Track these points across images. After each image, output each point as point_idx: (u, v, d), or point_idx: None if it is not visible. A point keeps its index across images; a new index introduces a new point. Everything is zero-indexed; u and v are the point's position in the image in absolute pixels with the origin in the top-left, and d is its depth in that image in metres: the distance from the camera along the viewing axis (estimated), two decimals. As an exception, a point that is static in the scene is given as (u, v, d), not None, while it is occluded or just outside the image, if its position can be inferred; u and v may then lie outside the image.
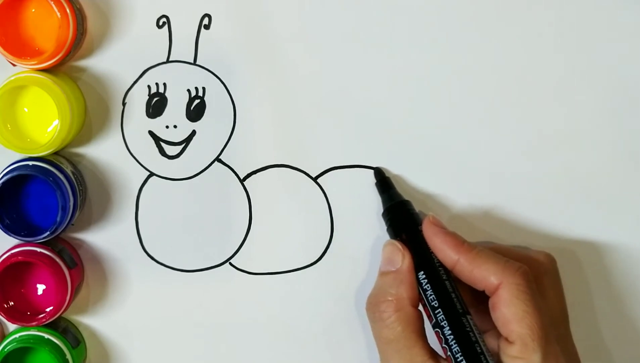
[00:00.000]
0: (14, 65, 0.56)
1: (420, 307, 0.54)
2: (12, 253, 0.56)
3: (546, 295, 0.54)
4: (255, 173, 0.59)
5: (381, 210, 0.58)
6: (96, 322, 0.60)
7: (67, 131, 0.55)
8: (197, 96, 0.58)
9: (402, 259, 0.54)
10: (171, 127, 0.58)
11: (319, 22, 0.58)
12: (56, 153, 0.57)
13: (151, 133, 0.59)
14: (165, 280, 0.60)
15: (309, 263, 0.60)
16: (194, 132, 0.59)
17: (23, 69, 0.56)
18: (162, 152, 0.59)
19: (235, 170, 0.59)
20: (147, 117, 0.58)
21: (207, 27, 0.58)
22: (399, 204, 0.57)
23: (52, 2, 0.54)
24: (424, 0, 0.58)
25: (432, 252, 0.55)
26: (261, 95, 0.58)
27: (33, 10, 0.56)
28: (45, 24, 0.55)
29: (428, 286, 0.54)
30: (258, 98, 0.58)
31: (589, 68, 0.58)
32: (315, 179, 0.59)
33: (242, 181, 0.59)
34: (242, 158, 0.59)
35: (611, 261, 0.60)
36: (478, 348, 0.52)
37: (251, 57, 0.58)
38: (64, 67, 0.58)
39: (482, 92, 0.59)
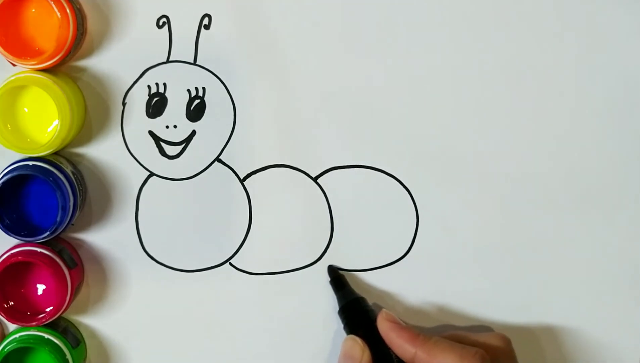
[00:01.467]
0: (14, 65, 0.56)
1: None
2: (12, 253, 0.56)
3: None
4: (255, 173, 0.59)
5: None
6: (96, 322, 0.60)
7: (67, 131, 0.55)
8: (197, 96, 0.58)
9: (361, 354, 0.56)
10: (171, 127, 0.58)
11: (319, 22, 0.58)
12: (56, 153, 0.57)
13: (151, 133, 0.59)
14: (165, 280, 0.60)
15: (309, 263, 0.60)
16: (194, 132, 0.59)
17: (23, 69, 0.56)
18: (162, 152, 0.59)
19: (235, 170, 0.59)
20: (147, 117, 0.58)
21: (207, 27, 0.58)
22: (353, 301, 0.58)
23: (52, 2, 0.54)
24: (426, 1, 0.58)
25: (389, 347, 0.55)
26: (261, 95, 0.58)
27: (33, 10, 0.56)
28: (45, 24, 0.55)
29: None
30: (258, 98, 0.58)
31: (590, 68, 0.58)
32: (315, 179, 0.59)
33: (242, 181, 0.59)
34: (242, 158, 0.59)
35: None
36: None
37: (251, 57, 0.58)
38: (64, 67, 0.58)
39: (482, 92, 0.59)
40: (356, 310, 0.58)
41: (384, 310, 0.57)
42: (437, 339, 0.55)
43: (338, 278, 0.59)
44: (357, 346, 0.56)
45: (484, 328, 0.60)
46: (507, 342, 0.57)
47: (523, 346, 0.59)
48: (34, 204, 0.57)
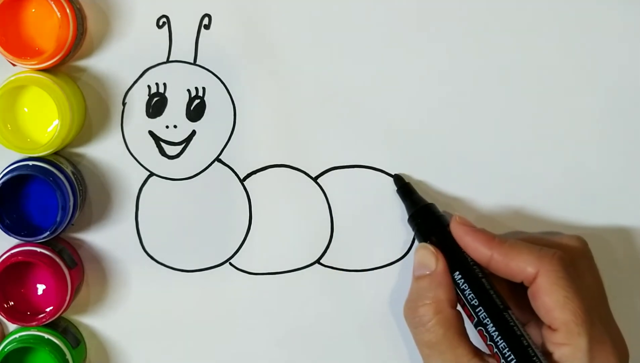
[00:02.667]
0: (14, 65, 0.56)
1: (459, 307, 0.54)
2: (12, 253, 0.56)
3: (584, 278, 0.53)
4: (255, 173, 0.59)
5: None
6: (96, 322, 0.60)
7: (67, 131, 0.55)
8: (197, 96, 0.58)
9: (435, 261, 0.54)
10: (171, 127, 0.58)
11: (319, 22, 0.58)
12: (56, 153, 0.57)
13: (151, 133, 0.59)
14: (165, 280, 0.60)
15: (309, 263, 0.60)
16: (194, 132, 0.59)
17: (23, 69, 0.56)
18: (162, 152, 0.59)
19: (235, 170, 0.59)
20: (147, 117, 0.58)
21: (207, 27, 0.58)
22: (423, 208, 0.57)
23: (52, 2, 0.54)
24: (426, 1, 0.58)
25: (464, 251, 0.55)
26: (261, 95, 0.58)
27: (33, 10, 0.56)
28: (45, 24, 0.55)
29: (465, 286, 0.54)
30: (258, 98, 0.58)
31: (590, 68, 0.59)
32: (315, 179, 0.59)
33: (242, 181, 0.59)
34: (242, 158, 0.59)
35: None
36: (524, 342, 0.52)
37: (251, 57, 0.58)
38: (64, 67, 0.58)
39: (482, 92, 0.59)
40: (427, 217, 0.56)
41: (456, 214, 0.55)
42: (514, 241, 0.53)
43: (405, 186, 0.58)
44: (430, 253, 0.55)
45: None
46: (584, 242, 0.55)
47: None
48: (34, 204, 0.57)
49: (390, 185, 0.59)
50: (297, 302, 0.60)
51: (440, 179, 0.59)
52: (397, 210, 0.59)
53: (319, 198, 0.59)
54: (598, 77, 0.59)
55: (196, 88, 0.58)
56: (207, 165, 0.59)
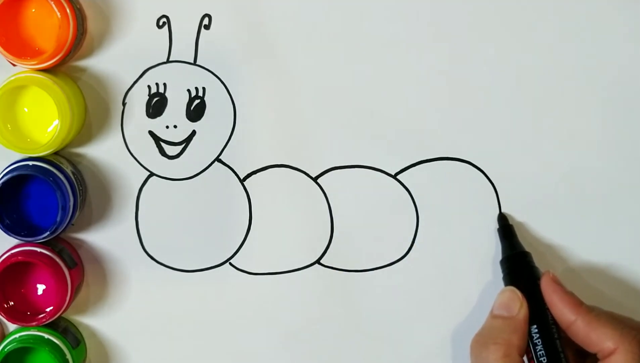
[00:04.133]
0: (14, 65, 0.56)
1: (525, 359, 0.54)
2: (12, 253, 0.56)
3: None
4: (255, 173, 0.59)
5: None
6: (96, 322, 0.60)
7: (67, 131, 0.55)
8: (197, 96, 0.58)
9: (519, 307, 0.55)
10: (171, 127, 0.58)
11: (319, 22, 0.58)
12: (56, 153, 0.57)
13: (151, 133, 0.59)
14: (165, 280, 0.60)
15: (309, 263, 0.60)
16: (194, 133, 0.59)
17: (23, 69, 0.56)
18: (162, 152, 0.59)
19: (235, 170, 0.59)
20: (147, 117, 0.58)
21: (207, 27, 0.58)
22: (520, 254, 0.57)
23: (52, 2, 0.54)
24: (426, 1, 0.58)
25: (547, 308, 0.55)
26: (261, 95, 0.58)
27: (33, 10, 0.56)
28: (45, 24, 0.55)
29: (539, 341, 0.54)
30: (258, 98, 0.58)
31: (590, 68, 0.58)
32: (315, 179, 0.59)
33: (242, 181, 0.59)
34: (242, 158, 0.59)
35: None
36: None
37: (251, 57, 0.58)
38: (64, 67, 0.58)
39: (482, 93, 0.59)
40: (520, 263, 0.57)
41: (550, 270, 0.56)
42: (600, 312, 0.54)
43: (507, 226, 0.58)
44: (517, 298, 0.55)
45: None
46: None
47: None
48: (34, 204, 0.57)
49: (391, 185, 0.59)
50: (297, 302, 0.60)
51: (440, 180, 0.59)
52: (397, 210, 0.59)
53: (319, 198, 0.59)
54: (598, 77, 0.59)
55: (196, 88, 0.58)
56: (207, 165, 0.59)
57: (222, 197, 0.59)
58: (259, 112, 0.59)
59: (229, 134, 0.59)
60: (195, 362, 0.60)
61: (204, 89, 0.58)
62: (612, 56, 0.58)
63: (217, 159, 0.59)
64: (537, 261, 0.58)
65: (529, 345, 0.55)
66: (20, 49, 0.55)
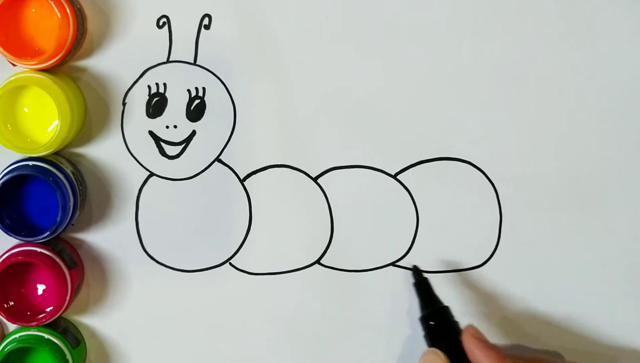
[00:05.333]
0: (14, 65, 0.56)
1: None
2: (12, 253, 0.56)
3: None
4: (255, 173, 0.59)
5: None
6: (96, 322, 0.60)
7: (67, 131, 0.55)
8: (197, 96, 0.58)
9: None
10: (171, 127, 0.58)
11: (319, 22, 0.58)
12: (56, 153, 0.57)
13: (151, 133, 0.59)
14: (165, 280, 0.60)
15: (309, 263, 0.60)
16: (194, 133, 0.59)
17: (23, 69, 0.56)
18: (162, 152, 0.59)
19: (235, 170, 0.59)
20: (147, 117, 0.58)
21: (207, 27, 0.58)
22: (438, 310, 0.56)
23: (52, 2, 0.54)
24: (426, 1, 0.58)
25: None
26: (261, 95, 0.58)
27: (33, 10, 0.56)
28: (45, 24, 0.55)
29: None
30: (258, 98, 0.58)
31: (590, 68, 0.59)
32: (315, 179, 0.59)
33: (242, 181, 0.59)
34: (242, 158, 0.59)
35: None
36: None
37: (251, 57, 0.58)
38: (64, 67, 0.58)
39: (483, 93, 0.59)
40: (440, 320, 0.56)
41: (471, 325, 0.55)
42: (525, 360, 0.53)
43: (423, 281, 0.57)
44: (440, 361, 0.54)
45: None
46: None
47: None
48: (34, 204, 0.57)
49: (391, 185, 0.59)
50: (297, 302, 0.60)
51: (440, 180, 0.59)
52: (397, 210, 0.59)
53: (319, 198, 0.59)
54: (598, 77, 0.59)
55: (196, 88, 0.58)
56: (207, 165, 0.59)
57: (222, 197, 0.59)
58: (259, 112, 0.59)
59: (229, 134, 0.59)
60: (195, 361, 0.60)
61: (204, 89, 0.58)
62: (612, 55, 0.58)
63: (217, 159, 0.59)
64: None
65: None
66: (20, 49, 0.55)
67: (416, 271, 0.58)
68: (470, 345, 0.54)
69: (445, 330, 0.55)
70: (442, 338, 0.55)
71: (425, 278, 0.57)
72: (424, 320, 0.56)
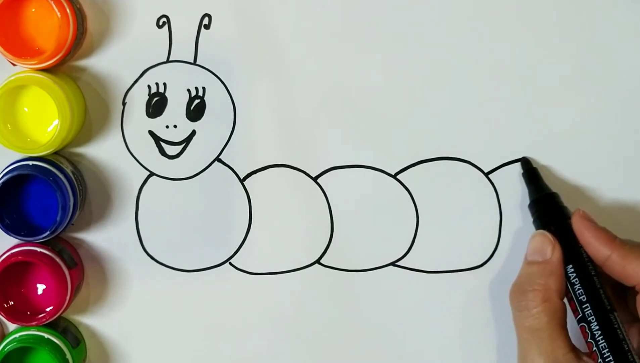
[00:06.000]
0: (14, 65, 0.56)
1: (565, 300, 0.54)
2: (12, 253, 0.56)
3: None
4: (255, 173, 0.59)
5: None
6: (96, 321, 0.60)
7: (67, 131, 0.55)
8: (197, 96, 0.58)
9: (552, 250, 0.54)
10: (171, 127, 0.58)
11: (318, 21, 0.58)
12: (56, 153, 0.57)
13: (151, 133, 0.59)
14: (165, 280, 0.60)
15: (309, 263, 0.60)
16: (194, 132, 0.59)
17: (23, 69, 0.56)
18: (162, 152, 0.59)
19: (235, 170, 0.59)
20: (147, 117, 0.58)
21: (207, 27, 0.58)
22: (547, 196, 0.57)
23: (52, 2, 0.54)
24: (426, 1, 0.58)
25: (581, 246, 0.55)
26: (261, 95, 0.58)
27: (33, 10, 0.56)
28: (45, 24, 0.55)
29: (576, 280, 0.54)
30: (258, 98, 0.58)
31: (590, 68, 0.58)
32: (315, 179, 0.59)
33: (242, 181, 0.59)
34: (242, 158, 0.59)
35: None
36: (625, 346, 0.52)
37: (251, 57, 0.58)
38: (64, 67, 0.58)
39: (482, 92, 0.59)
40: (549, 205, 0.56)
41: (580, 208, 0.55)
42: (634, 244, 0.54)
43: (532, 170, 0.58)
44: (548, 241, 0.55)
45: None
46: None
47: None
48: (34, 204, 0.57)
49: (391, 185, 0.59)
50: (297, 302, 0.60)
51: (440, 180, 0.59)
52: (397, 210, 0.59)
53: (319, 198, 0.59)
54: (598, 77, 0.59)
55: (196, 88, 0.58)
56: (207, 165, 0.59)
57: (222, 197, 0.59)
58: (259, 112, 0.59)
59: (229, 134, 0.59)
60: (195, 361, 0.60)
61: (204, 89, 0.58)
62: (612, 55, 0.58)
63: (217, 159, 0.59)
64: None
65: (567, 286, 0.54)
66: (20, 49, 0.55)
67: (525, 161, 0.58)
68: (579, 226, 0.55)
69: (555, 213, 0.56)
70: (551, 221, 0.56)
71: (535, 168, 0.58)
72: (534, 204, 0.57)
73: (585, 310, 0.53)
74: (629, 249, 0.53)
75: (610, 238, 0.54)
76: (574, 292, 0.54)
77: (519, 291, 0.54)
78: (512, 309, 0.55)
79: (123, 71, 0.58)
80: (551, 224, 0.56)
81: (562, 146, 0.59)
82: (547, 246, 0.55)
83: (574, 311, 0.54)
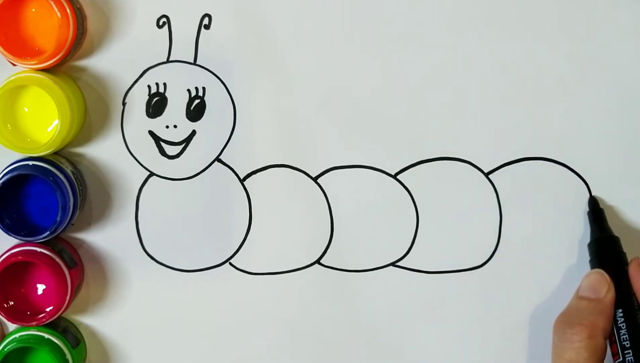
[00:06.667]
0: (14, 65, 0.56)
1: (607, 342, 0.55)
2: (12, 253, 0.56)
3: None
4: (255, 173, 0.59)
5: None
6: (96, 321, 0.60)
7: (67, 131, 0.55)
8: (197, 96, 0.58)
9: (607, 291, 0.55)
10: (171, 127, 0.58)
11: (318, 21, 0.58)
12: (56, 153, 0.57)
13: (151, 133, 0.59)
14: (165, 280, 0.60)
15: (309, 263, 0.60)
16: (194, 132, 0.59)
17: (23, 69, 0.56)
18: (162, 152, 0.59)
19: (235, 170, 0.59)
20: (147, 117, 0.58)
21: (207, 27, 0.58)
22: (609, 238, 0.58)
23: (52, 2, 0.54)
24: (426, 1, 0.58)
25: (634, 294, 0.55)
26: (261, 95, 0.58)
27: (33, 10, 0.56)
28: (45, 24, 0.55)
29: (623, 325, 0.55)
30: (258, 98, 0.58)
31: (590, 68, 0.58)
32: (315, 179, 0.59)
33: (242, 181, 0.59)
34: (242, 158, 0.59)
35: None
36: None
37: (251, 57, 0.58)
38: (64, 67, 0.58)
39: (483, 92, 0.59)
40: (610, 247, 0.57)
41: (639, 257, 0.56)
42: None
43: (597, 210, 0.58)
44: (605, 281, 0.55)
45: None
46: None
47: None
48: (34, 204, 0.57)
49: (391, 185, 0.59)
50: (297, 302, 0.60)
51: (440, 180, 0.59)
52: (397, 210, 0.59)
53: (319, 198, 0.59)
54: (598, 77, 0.59)
55: (196, 88, 0.58)
56: (207, 165, 0.59)
57: (222, 197, 0.59)
58: (259, 112, 0.59)
59: (229, 134, 0.59)
60: (195, 361, 0.60)
61: (204, 89, 0.58)
62: (612, 55, 0.58)
63: (217, 159, 0.59)
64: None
65: (612, 329, 0.55)
66: (20, 49, 0.55)
67: (593, 201, 0.59)
68: (635, 274, 0.55)
69: (614, 256, 0.57)
70: (609, 263, 0.56)
71: (601, 209, 0.58)
72: (595, 243, 0.58)
73: (626, 355, 0.54)
74: None
75: None
76: (619, 336, 0.55)
77: (566, 322, 0.55)
78: (555, 338, 0.55)
79: (123, 71, 0.58)
80: (609, 266, 0.57)
81: (562, 146, 0.59)
82: (603, 286, 0.55)
83: (614, 354, 0.55)
